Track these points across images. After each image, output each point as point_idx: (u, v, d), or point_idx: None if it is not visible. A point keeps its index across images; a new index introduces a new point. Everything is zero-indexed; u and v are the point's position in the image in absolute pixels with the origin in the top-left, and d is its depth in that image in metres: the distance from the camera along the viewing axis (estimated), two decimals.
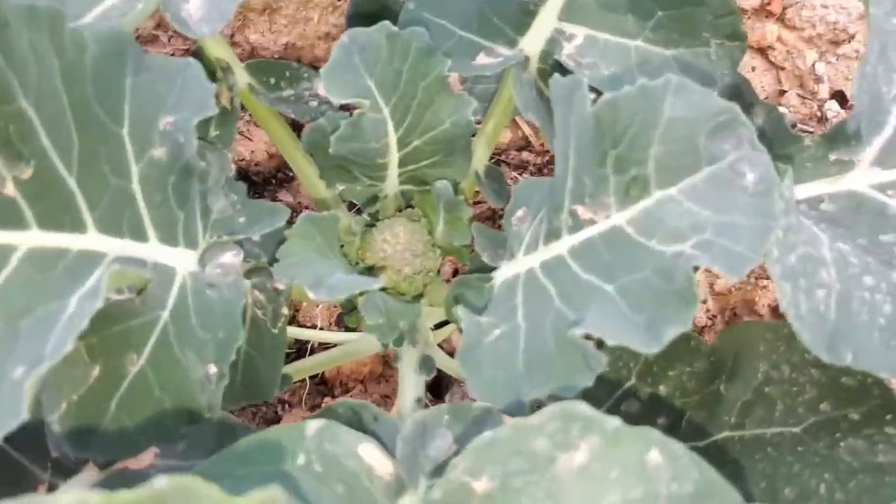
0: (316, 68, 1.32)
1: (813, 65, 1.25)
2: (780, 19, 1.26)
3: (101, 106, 0.70)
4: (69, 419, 0.72)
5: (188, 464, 0.78)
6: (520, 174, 1.27)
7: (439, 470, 0.68)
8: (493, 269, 0.81)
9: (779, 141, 0.78)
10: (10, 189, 0.69)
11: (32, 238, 0.71)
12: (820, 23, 1.24)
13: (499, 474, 0.58)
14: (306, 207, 1.28)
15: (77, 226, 0.72)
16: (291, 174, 1.29)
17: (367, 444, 0.67)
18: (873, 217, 0.73)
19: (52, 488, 0.79)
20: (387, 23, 0.77)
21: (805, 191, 0.76)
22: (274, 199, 1.30)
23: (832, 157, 0.77)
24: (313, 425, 0.68)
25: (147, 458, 0.78)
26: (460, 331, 0.73)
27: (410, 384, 0.87)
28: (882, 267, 0.68)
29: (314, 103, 0.95)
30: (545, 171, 1.28)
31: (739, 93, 0.83)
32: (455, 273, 1.21)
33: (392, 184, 0.88)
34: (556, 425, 0.57)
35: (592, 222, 0.68)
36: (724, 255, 0.60)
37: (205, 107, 0.72)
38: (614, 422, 0.57)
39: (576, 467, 0.57)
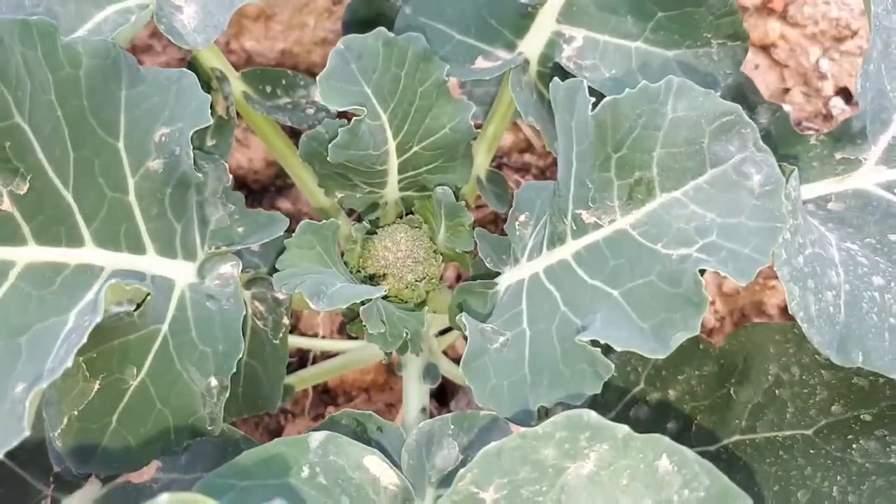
0: (312, 75, 1.31)
1: (817, 62, 1.24)
2: (783, 16, 1.25)
3: (96, 119, 0.70)
4: (71, 435, 0.72)
5: (190, 477, 0.78)
6: (522, 177, 1.26)
7: (446, 480, 0.68)
8: (496, 274, 0.80)
9: (784, 141, 0.78)
10: (7, 205, 0.69)
11: (29, 253, 0.70)
12: (822, 19, 1.23)
13: (507, 484, 0.57)
14: (307, 214, 1.27)
15: (74, 240, 0.71)
16: (290, 181, 1.28)
17: (373, 455, 0.67)
18: (882, 216, 0.72)
19: (54, 503, 0.78)
20: (383, 29, 0.76)
21: (812, 190, 0.76)
22: (273, 207, 1.29)
23: (838, 155, 0.76)
24: (317, 437, 0.67)
25: (149, 471, 0.77)
26: (465, 338, 0.72)
27: (415, 393, 0.86)
28: (892, 267, 0.67)
29: (311, 111, 0.94)
30: (547, 173, 1.27)
31: (743, 93, 0.83)
32: (459, 278, 1.20)
33: (392, 190, 0.87)
34: (564, 434, 0.56)
35: (597, 226, 0.67)
36: (731, 259, 0.59)
37: (200, 117, 0.71)
38: (623, 429, 0.56)
39: (585, 476, 0.57)
